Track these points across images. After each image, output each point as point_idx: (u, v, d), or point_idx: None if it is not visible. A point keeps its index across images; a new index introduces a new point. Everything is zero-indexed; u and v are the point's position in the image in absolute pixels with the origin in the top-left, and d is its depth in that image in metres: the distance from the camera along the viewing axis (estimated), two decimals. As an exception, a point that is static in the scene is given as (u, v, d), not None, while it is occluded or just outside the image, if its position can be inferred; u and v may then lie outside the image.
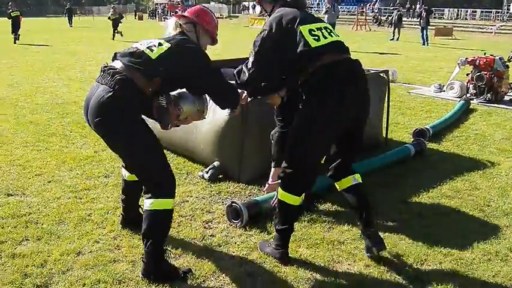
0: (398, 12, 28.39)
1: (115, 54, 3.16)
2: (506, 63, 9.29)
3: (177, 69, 3.10)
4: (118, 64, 3.04)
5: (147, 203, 3.10)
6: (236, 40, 23.72)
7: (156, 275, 3.09)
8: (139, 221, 3.25)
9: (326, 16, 20.43)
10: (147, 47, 3.10)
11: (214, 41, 3.49)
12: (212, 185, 4.69)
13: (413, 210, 4.27)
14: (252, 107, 4.56)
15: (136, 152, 3.05)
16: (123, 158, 3.30)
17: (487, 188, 4.82)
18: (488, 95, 9.09)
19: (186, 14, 3.44)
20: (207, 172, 4.80)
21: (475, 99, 9.09)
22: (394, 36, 26.72)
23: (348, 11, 56.55)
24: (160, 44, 3.11)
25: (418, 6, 54.40)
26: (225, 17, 63.75)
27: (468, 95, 9.32)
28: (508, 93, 9.37)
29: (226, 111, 4.18)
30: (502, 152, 6.05)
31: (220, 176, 4.82)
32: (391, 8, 53.20)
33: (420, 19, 25.10)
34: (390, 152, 5.63)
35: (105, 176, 5.00)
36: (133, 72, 2.97)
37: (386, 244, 3.44)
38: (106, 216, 4.05)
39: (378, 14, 50.27)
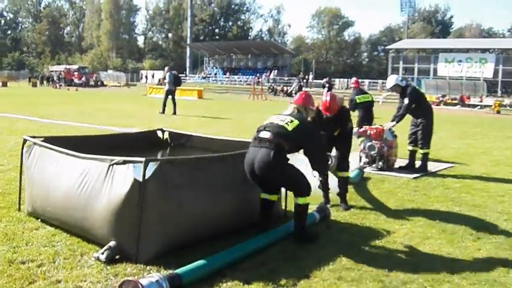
0: (300, 83, 29.63)
1: (259, 128, 5.23)
2: (394, 133, 9.85)
3: (302, 139, 5.19)
4: (267, 134, 5.06)
5: (298, 201, 5.16)
6: (137, 110, 23.57)
7: (305, 240, 5.20)
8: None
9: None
10: (282, 121, 5.15)
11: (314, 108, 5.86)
12: (109, 267, 4.43)
13: (316, 286, 4.26)
14: (150, 182, 4.47)
15: (292, 177, 5.15)
16: (284, 183, 5.39)
17: (384, 257, 4.94)
18: (380, 163, 9.55)
19: (297, 101, 5.54)
20: (102, 253, 4.54)
21: (367, 167, 9.51)
22: None
23: (245, 81, 58.45)
24: (291, 121, 5.12)
25: (311, 76, 57.43)
26: (123, 85, 63.40)
27: (361, 163, 9.72)
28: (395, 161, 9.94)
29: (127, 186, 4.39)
30: (396, 220, 6.29)
31: (117, 257, 4.58)
32: (286, 78, 55.76)
33: (328, 89, 26.31)
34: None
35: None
36: (279, 139, 4.99)
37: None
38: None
39: (273, 84, 52.21)
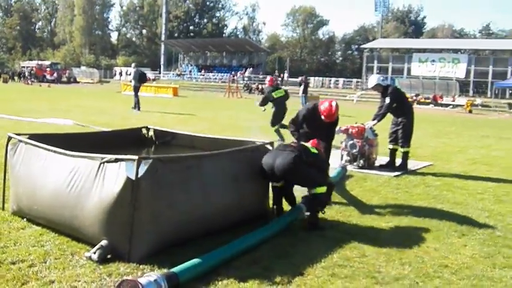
0: (275, 81, 29.69)
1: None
2: (375, 132, 9.96)
3: (316, 163, 5.99)
4: (292, 143, 6.23)
5: (315, 191, 5.77)
6: (111, 107, 23.30)
7: (314, 227, 5.73)
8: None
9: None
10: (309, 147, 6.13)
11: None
12: (101, 266, 4.39)
13: (311, 283, 4.29)
14: (143, 180, 4.44)
15: (309, 175, 5.80)
16: (300, 181, 5.97)
17: (374, 254, 5.01)
18: (361, 161, 9.65)
19: (312, 144, 6.28)
20: (94, 252, 4.49)
21: (349, 166, 9.59)
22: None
23: (220, 79, 58.29)
24: (312, 147, 6.09)
25: (286, 74, 57.55)
26: (96, 82, 62.63)
27: (342, 161, 9.80)
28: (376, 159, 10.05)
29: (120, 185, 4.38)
30: (382, 217, 6.37)
31: (109, 256, 4.53)
32: (261, 76, 55.76)
33: (304, 87, 26.80)
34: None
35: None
36: (302, 149, 5.89)
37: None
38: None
39: (248, 82, 52.20)
